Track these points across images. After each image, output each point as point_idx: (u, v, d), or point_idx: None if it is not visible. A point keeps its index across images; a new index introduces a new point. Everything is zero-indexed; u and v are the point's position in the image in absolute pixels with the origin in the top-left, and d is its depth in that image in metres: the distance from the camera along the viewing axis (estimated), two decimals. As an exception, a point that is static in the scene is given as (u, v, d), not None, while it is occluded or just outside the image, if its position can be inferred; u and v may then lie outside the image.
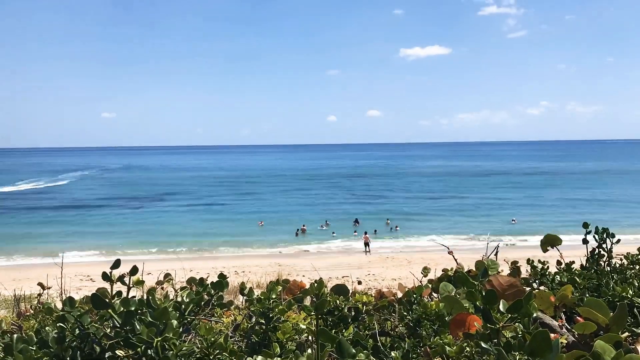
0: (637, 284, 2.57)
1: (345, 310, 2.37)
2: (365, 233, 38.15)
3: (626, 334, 2.07)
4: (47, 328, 2.03)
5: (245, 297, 2.45)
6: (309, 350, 1.85)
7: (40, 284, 3.99)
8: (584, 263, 3.24)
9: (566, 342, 1.98)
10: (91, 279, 24.03)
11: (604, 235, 3.22)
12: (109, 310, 1.78)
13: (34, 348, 1.82)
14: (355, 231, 42.84)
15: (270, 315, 2.13)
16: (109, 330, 1.83)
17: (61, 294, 4.77)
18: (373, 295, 2.72)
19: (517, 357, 1.27)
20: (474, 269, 2.88)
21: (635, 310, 2.31)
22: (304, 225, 44.57)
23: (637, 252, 3.24)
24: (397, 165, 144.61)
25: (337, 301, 2.37)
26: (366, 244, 36.55)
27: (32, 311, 3.61)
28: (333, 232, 40.79)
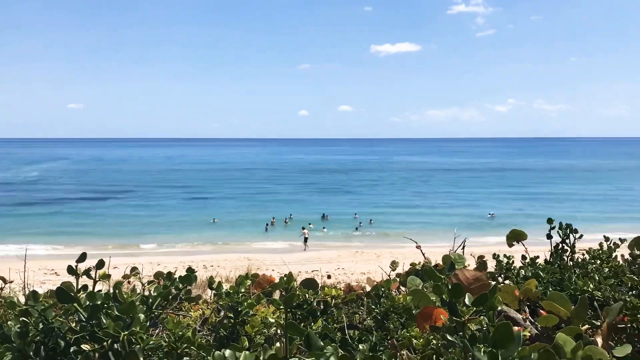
0: (597, 278, 2.64)
1: (314, 304, 2.38)
2: (303, 228, 38.00)
3: (586, 326, 2.13)
4: (9, 323, 1.98)
5: (213, 291, 2.44)
6: (278, 344, 1.85)
7: (1, 278, 3.89)
8: (548, 258, 3.32)
9: (529, 334, 2.03)
10: (56, 273, 23.57)
11: (568, 231, 3.30)
12: (75, 304, 1.75)
13: (-4, 343, 1.78)
14: (324, 227, 42.88)
15: (239, 309, 2.13)
16: (74, 325, 1.81)
17: (24, 288, 4.68)
18: (342, 289, 2.74)
19: (482, 349, 1.30)
20: (442, 263, 2.93)
21: (595, 303, 2.37)
22: (273, 219, 44.53)
23: (599, 247, 3.33)
24: (369, 160, 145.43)
25: (306, 295, 2.37)
26: (305, 239, 36.44)
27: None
28: (303, 228, 40.88)
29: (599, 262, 3.16)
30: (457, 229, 4.89)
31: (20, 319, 1.81)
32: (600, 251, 3.28)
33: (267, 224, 43.04)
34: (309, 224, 42.04)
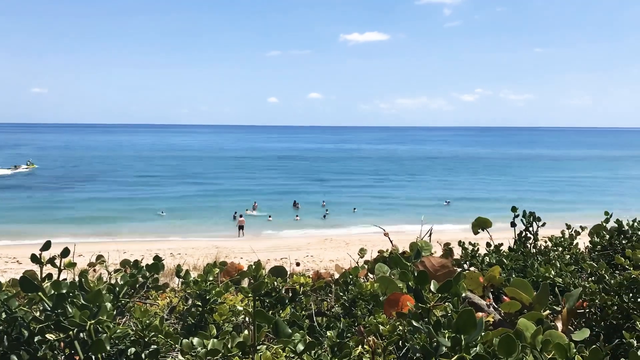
0: (559, 265, 2.72)
1: (283, 292, 2.39)
2: (241, 216, 37.84)
3: (547, 311, 2.20)
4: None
5: (181, 280, 2.43)
6: (246, 332, 1.86)
7: (-38, 267, 3.80)
8: (512, 245, 3.40)
9: (493, 320, 2.08)
10: (18, 261, 23.04)
11: (531, 219, 3.38)
12: (39, 293, 1.73)
13: (-43, 333, 1.74)
14: (297, 215, 42.91)
15: (207, 297, 2.12)
16: (38, 314, 1.78)
17: (-15, 277, 4.56)
18: (311, 276, 2.76)
19: (446, 335, 1.33)
20: (409, 251, 2.97)
21: (556, 289, 2.45)
22: (247, 210, 44.43)
23: (561, 235, 3.42)
24: (338, 148, 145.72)
25: (275, 283, 2.38)
26: (240, 227, 36.23)
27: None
28: (269, 217, 40.64)
29: (560, 249, 3.25)
30: (421, 216, 4.95)
31: (-18, 309, 1.77)
32: (562, 239, 3.37)
33: (235, 212, 42.90)
34: (246, 210, 42.22)
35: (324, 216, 42.73)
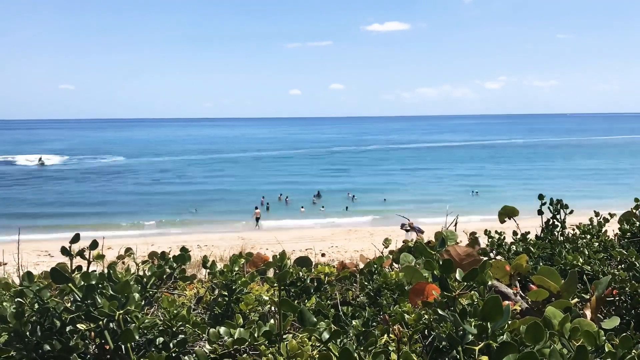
0: (587, 253, 2.68)
1: (308, 282, 2.40)
2: (256, 208, 38.01)
3: (576, 299, 2.17)
4: (4, 304, 1.99)
5: (208, 270, 2.45)
6: (272, 321, 1.88)
7: (-4, 260, 3.90)
8: (539, 233, 3.36)
9: (520, 308, 2.06)
10: (49, 255, 23.53)
11: (558, 207, 3.33)
12: (69, 284, 1.76)
13: (-8, 324, 1.79)
14: (322, 206, 43.00)
15: (233, 287, 2.14)
16: (69, 305, 1.82)
17: (18, 270, 4.68)
18: (335, 266, 2.77)
19: (472, 323, 1.32)
20: (434, 240, 2.96)
21: (585, 277, 2.41)
22: (263, 198, 44.78)
23: (589, 223, 3.37)
24: (362, 140, 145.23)
25: (300, 273, 2.40)
26: (257, 219, 36.46)
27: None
28: (302, 207, 40.86)
29: (589, 237, 3.20)
30: (448, 207, 4.91)
31: (16, 300, 1.82)
32: (590, 226, 3.31)
33: (261, 202, 43.12)
34: (267, 203, 42.63)
35: (346, 208, 42.72)
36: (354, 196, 45.71)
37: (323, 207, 42.76)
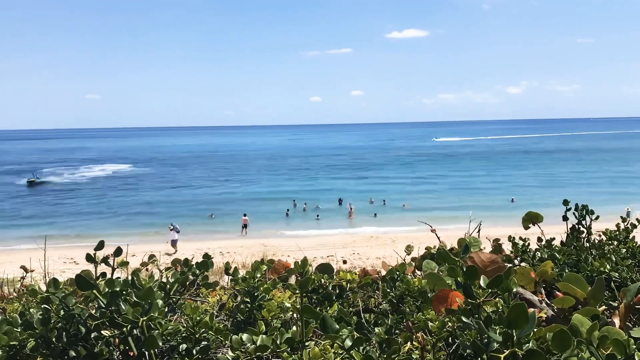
0: (614, 259, 2.62)
1: (330, 288, 2.40)
2: (245, 215, 37.52)
3: (603, 307, 2.12)
4: (31, 310, 2.03)
5: (230, 277, 2.46)
6: (294, 328, 1.87)
7: (23, 267, 3.96)
8: (564, 239, 3.30)
9: (546, 316, 2.02)
10: (75, 262, 23.90)
11: (584, 212, 3.28)
12: (94, 291, 1.78)
13: (19, 330, 1.81)
14: (350, 213, 43.01)
15: (255, 294, 2.15)
16: (94, 311, 1.84)
17: (45, 277, 4.75)
18: (357, 273, 2.75)
19: (498, 331, 1.30)
20: (457, 247, 2.93)
21: (612, 284, 2.36)
22: (294, 202, 44.98)
23: (616, 229, 3.30)
24: (385, 146, 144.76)
25: (322, 279, 2.39)
26: (244, 226, 36.28)
27: (15, 294, 3.59)
28: (317, 216, 40.87)
29: (615, 243, 3.14)
30: (473, 213, 4.86)
31: (42, 306, 1.84)
32: (617, 232, 3.25)
33: (287, 210, 43.18)
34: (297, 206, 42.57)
35: (375, 214, 42.55)
36: (384, 201, 45.82)
37: (351, 214, 42.65)
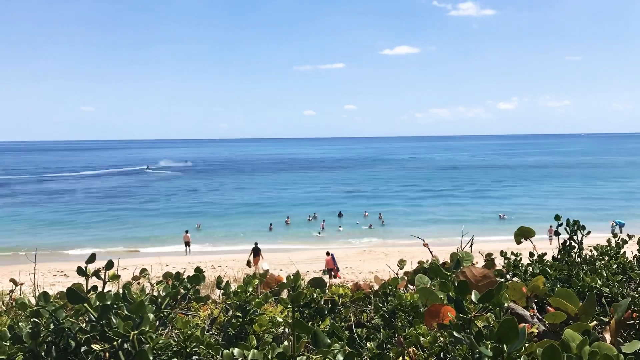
0: (605, 275, 2.64)
1: (322, 303, 2.39)
2: (186, 232, 36.55)
3: (595, 322, 2.13)
4: (20, 324, 2.01)
5: (222, 291, 2.45)
6: (286, 342, 1.86)
7: (12, 280, 3.93)
8: (556, 254, 3.31)
9: (537, 331, 2.02)
10: (65, 275, 23.70)
11: (575, 228, 3.29)
12: (85, 305, 1.77)
13: (7, 344, 1.80)
14: (340, 226, 42.93)
15: (247, 308, 2.14)
16: (84, 325, 1.82)
17: (34, 290, 4.71)
18: (350, 287, 2.75)
19: (489, 346, 1.30)
20: (449, 261, 2.93)
21: (603, 299, 2.37)
22: (287, 218, 44.89)
23: (607, 244, 3.32)
24: (378, 159, 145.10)
25: (314, 294, 2.38)
26: (187, 244, 35.42)
27: (3, 307, 3.56)
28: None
29: (607, 258, 3.15)
30: (465, 228, 4.88)
31: (32, 320, 1.83)
32: (609, 247, 3.27)
33: (270, 224, 43.09)
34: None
35: (370, 226, 42.51)
36: (380, 215, 45.84)
37: (340, 226, 42.67)
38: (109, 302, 1.77)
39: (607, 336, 2.03)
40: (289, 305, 1.92)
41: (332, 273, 23.79)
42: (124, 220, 46.78)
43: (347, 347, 1.58)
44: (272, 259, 28.59)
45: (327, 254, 25.47)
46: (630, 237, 3.36)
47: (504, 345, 1.19)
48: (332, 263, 24.69)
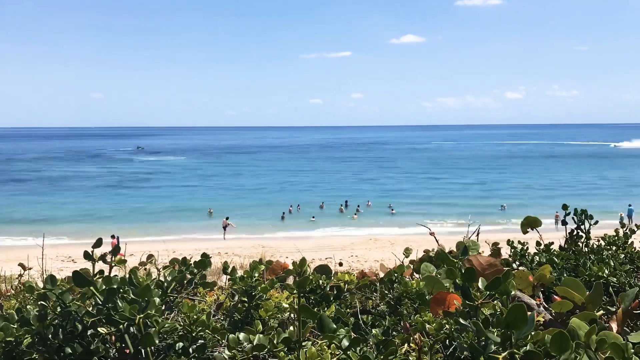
0: (613, 264, 2.62)
1: (328, 289, 2.39)
2: (227, 218, 37.18)
3: (601, 312, 2.12)
4: (28, 307, 2.02)
5: (228, 277, 2.45)
6: (291, 328, 1.87)
7: (21, 265, 3.95)
8: (563, 244, 3.30)
9: (543, 320, 2.02)
10: (73, 260, 23.85)
11: (583, 217, 3.27)
12: (91, 288, 1.78)
13: (15, 326, 1.81)
14: (356, 214, 43.13)
15: (253, 293, 2.14)
16: (91, 308, 1.83)
17: (42, 275, 4.74)
18: (355, 275, 2.75)
19: (496, 333, 1.30)
20: (455, 250, 2.92)
21: (610, 289, 2.36)
22: (292, 207, 44.94)
23: (614, 234, 3.30)
24: (386, 148, 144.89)
25: (320, 280, 2.38)
26: (224, 228, 36.02)
27: (12, 291, 3.58)
28: (313, 217, 40.86)
29: (614, 248, 3.13)
30: (471, 217, 4.86)
31: (39, 303, 1.84)
32: (616, 237, 3.25)
33: (283, 212, 43.18)
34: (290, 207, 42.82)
35: (368, 204, 42.56)
36: (390, 205, 45.92)
37: (356, 215, 42.77)
38: (115, 286, 1.78)
39: (614, 325, 2.02)
40: (295, 291, 1.92)
41: None
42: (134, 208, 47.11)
43: (352, 333, 1.58)
44: (279, 245, 28.67)
45: None
46: (638, 227, 3.34)
47: (512, 332, 1.18)
48: None
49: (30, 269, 4.08)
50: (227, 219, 37.18)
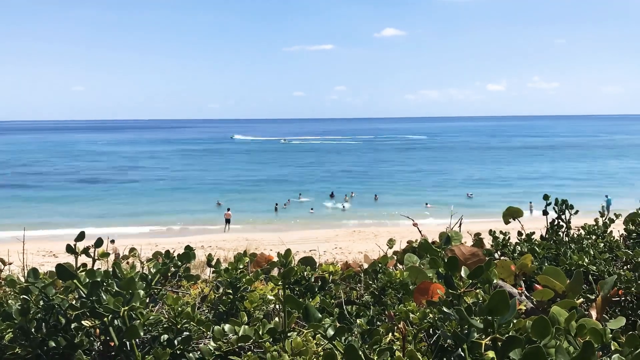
0: (592, 253, 2.67)
1: (312, 281, 2.40)
2: (228, 209, 37.02)
3: (581, 300, 2.16)
4: (9, 301, 2.00)
5: (212, 269, 2.45)
6: (277, 319, 1.87)
7: (0, 260, 3.90)
8: (544, 234, 3.34)
9: (525, 308, 2.05)
10: (54, 255, 23.60)
11: (563, 207, 3.32)
12: (75, 281, 1.77)
13: (-3, 320, 1.79)
14: (343, 205, 43.29)
15: (238, 285, 2.14)
16: (74, 302, 1.82)
17: (23, 269, 4.69)
18: (340, 266, 2.76)
19: (478, 321, 1.32)
20: (438, 241, 2.95)
21: (590, 277, 2.40)
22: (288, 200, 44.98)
23: (594, 223, 3.35)
24: (366, 140, 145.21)
25: (305, 272, 2.40)
26: (227, 221, 35.89)
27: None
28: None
29: (594, 237, 3.19)
30: (453, 207, 4.90)
31: (21, 297, 1.82)
32: (596, 226, 3.30)
33: (276, 204, 43.11)
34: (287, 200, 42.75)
35: (345, 196, 42.67)
36: (376, 195, 46.30)
37: (344, 205, 42.91)
38: (98, 279, 1.77)
39: (593, 313, 2.05)
40: (280, 282, 1.93)
41: None
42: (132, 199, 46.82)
43: (337, 322, 1.59)
44: (263, 238, 28.64)
45: None
46: (617, 216, 3.39)
47: (495, 318, 1.20)
48: None
49: (10, 263, 4.03)
50: (228, 210, 37.04)
